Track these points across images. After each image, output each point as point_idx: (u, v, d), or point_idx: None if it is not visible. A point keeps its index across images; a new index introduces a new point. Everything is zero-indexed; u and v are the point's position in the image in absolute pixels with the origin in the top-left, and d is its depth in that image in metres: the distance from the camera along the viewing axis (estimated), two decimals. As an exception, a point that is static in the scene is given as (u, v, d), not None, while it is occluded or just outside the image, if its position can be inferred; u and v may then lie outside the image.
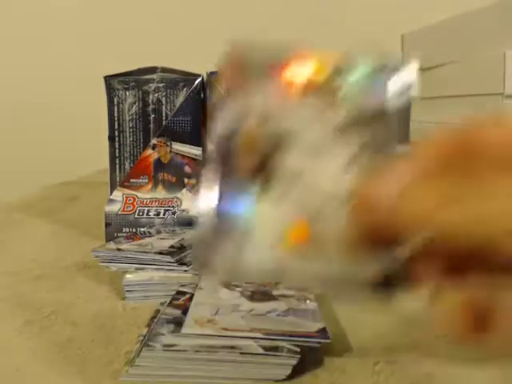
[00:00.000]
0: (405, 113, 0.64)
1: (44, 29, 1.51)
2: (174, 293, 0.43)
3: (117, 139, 0.65)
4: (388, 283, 0.22)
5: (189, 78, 0.64)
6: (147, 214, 0.65)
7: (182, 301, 0.41)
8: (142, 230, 0.62)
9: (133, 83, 0.64)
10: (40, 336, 0.40)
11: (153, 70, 0.64)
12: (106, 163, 0.65)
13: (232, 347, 0.34)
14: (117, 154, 0.65)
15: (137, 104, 0.64)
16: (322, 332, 0.35)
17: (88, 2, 1.52)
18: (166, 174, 0.65)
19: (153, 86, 0.64)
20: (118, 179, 0.65)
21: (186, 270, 0.48)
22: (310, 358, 0.36)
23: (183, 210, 0.66)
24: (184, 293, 0.42)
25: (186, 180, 0.65)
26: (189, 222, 0.65)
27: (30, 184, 1.04)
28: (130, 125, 0.64)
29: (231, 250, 0.24)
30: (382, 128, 0.27)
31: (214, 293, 0.42)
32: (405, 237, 0.20)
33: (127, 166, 0.65)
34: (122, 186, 0.65)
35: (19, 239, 0.69)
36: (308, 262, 0.24)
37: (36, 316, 0.44)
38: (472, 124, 0.22)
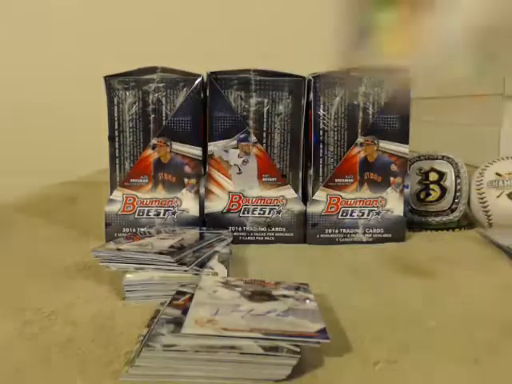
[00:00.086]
0: (405, 113, 0.64)
1: (44, 29, 1.51)
2: (173, 293, 0.43)
3: (117, 139, 0.65)
4: None
5: (189, 78, 0.64)
6: (147, 214, 0.65)
7: (181, 301, 0.41)
8: (142, 230, 0.62)
9: (133, 83, 0.64)
10: (40, 336, 0.40)
11: (153, 70, 0.64)
12: (105, 163, 0.65)
13: (232, 347, 0.34)
14: (117, 154, 0.65)
15: (137, 104, 0.64)
16: (322, 332, 0.35)
17: (88, 2, 1.52)
18: (165, 174, 0.65)
19: (153, 86, 0.64)
20: (117, 179, 0.65)
21: (185, 270, 0.48)
22: (309, 358, 0.36)
23: (183, 210, 0.66)
24: (184, 293, 0.42)
25: (186, 180, 0.65)
26: (189, 222, 0.65)
27: (30, 184, 1.04)
28: (130, 125, 0.64)
29: None
30: None
31: (213, 293, 0.42)
32: None
33: (127, 166, 0.65)
34: (122, 186, 0.65)
35: (19, 239, 0.69)
36: None
37: (36, 316, 0.44)
38: None
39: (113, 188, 0.65)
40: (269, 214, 0.66)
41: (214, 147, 0.65)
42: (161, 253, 0.49)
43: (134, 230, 0.65)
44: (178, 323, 0.36)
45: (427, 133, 1.12)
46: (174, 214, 0.65)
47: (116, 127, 0.64)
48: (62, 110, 1.52)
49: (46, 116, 1.52)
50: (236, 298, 0.41)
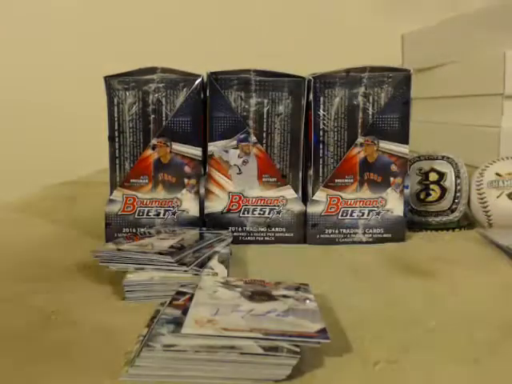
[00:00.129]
0: (405, 113, 0.64)
1: (44, 29, 1.51)
2: (173, 293, 0.43)
3: (117, 139, 0.65)
4: None
5: (189, 78, 0.64)
6: (147, 215, 0.65)
7: (182, 301, 0.41)
8: (142, 230, 0.62)
9: (133, 83, 0.64)
10: (40, 336, 0.40)
11: (153, 70, 0.64)
12: (105, 163, 0.65)
13: (232, 347, 0.34)
14: (117, 154, 0.65)
15: (137, 104, 0.64)
16: (322, 332, 0.35)
17: (88, 2, 1.52)
18: (165, 175, 0.65)
19: (153, 86, 0.64)
20: (118, 179, 0.65)
21: (186, 270, 0.48)
22: (309, 358, 0.36)
23: (183, 211, 0.66)
24: (184, 293, 0.42)
25: (186, 180, 0.65)
26: (189, 223, 0.65)
27: (29, 184, 1.04)
28: (130, 125, 0.64)
29: None
30: None
31: (213, 293, 0.42)
32: None
33: (127, 166, 0.65)
34: (122, 186, 0.65)
35: (19, 239, 0.69)
36: None
37: (36, 316, 0.44)
38: None
39: (113, 188, 0.65)
40: (269, 214, 0.66)
41: (213, 147, 0.65)
42: (161, 253, 0.49)
43: (134, 230, 0.65)
44: (178, 323, 0.36)
45: (427, 133, 1.12)
46: (174, 214, 0.65)
47: (116, 127, 0.64)
48: (62, 110, 1.52)
49: (46, 116, 1.52)
50: (236, 298, 0.41)
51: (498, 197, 0.68)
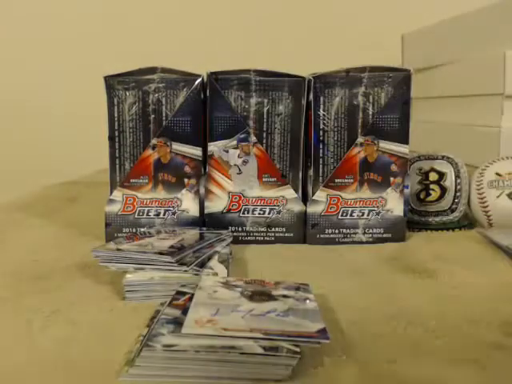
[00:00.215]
0: (405, 113, 0.64)
1: (44, 29, 1.51)
2: (174, 293, 0.43)
3: (117, 139, 0.65)
4: None
5: (189, 78, 0.64)
6: (147, 215, 0.65)
7: (182, 301, 0.41)
8: (142, 230, 0.62)
9: (133, 83, 0.64)
10: (40, 336, 0.40)
11: (153, 70, 0.64)
12: (106, 163, 0.65)
13: (232, 347, 0.34)
14: (117, 154, 0.65)
15: (137, 104, 0.64)
16: (322, 332, 0.35)
17: (88, 1, 1.52)
18: (165, 174, 0.65)
19: (153, 86, 0.64)
20: (118, 179, 0.65)
21: (186, 270, 0.48)
22: (309, 358, 0.36)
23: (183, 210, 0.66)
24: (184, 293, 0.42)
25: (186, 180, 0.65)
26: (189, 222, 0.65)
27: (30, 184, 1.04)
28: (130, 125, 0.64)
29: None
30: None
31: (213, 293, 0.42)
32: None
33: (127, 166, 0.65)
34: (122, 186, 0.65)
35: (19, 239, 0.69)
36: None
37: (36, 316, 0.44)
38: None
39: (113, 188, 0.65)
40: (269, 214, 0.66)
41: (214, 147, 0.65)
42: (161, 253, 0.49)
43: (134, 230, 0.65)
44: (178, 323, 0.36)
45: (427, 133, 1.12)
46: (174, 214, 0.65)
47: (116, 127, 0.64)
48: (62, 110, 1.52)
49: (46, 116, 1.52)
50: (236, 298, 0.41)
51: (497, 197, 0.68)
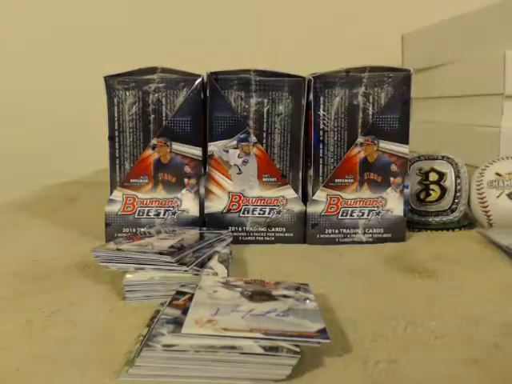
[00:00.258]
0: (405, 113, 0.64)
1: (44, 29, 1.51)
2: (173, 293, 0.43)
3: (117, 139, 0.65)
4: None
5: (189, 78, 0.64)
6: (147, 214, 0.65)
7: (182, 301, 0.41)
8: (142, 230, 0.62)
9: (133, 83, 0.64)
10: (40, 336, 0.40)
11: (153, 70, 0.64)
12: (106, 163, 0.65)
13: (232, 347, 0.34)
14: (117, 154, 0.65)
15: (137, 104, 0.64)
16: (322, 332, 0.35)
17: (88, 2, 1.52)
18: (165, 174, 0.65)
19: (153, 86, 0.64)
20: (118, 179, 0.65)
21: (186, 270, 0.48)
22: (309, 358, 0.36)
23: (183, 210, 0.66)
24: (184, 293, 0.42)
25: (186, 180, 0.65)
26: (189, 222, 0.65)
27: (30, 184, 1.04)
28: (130, 125, 0.64)
29: None
30: None
31: (213, 293, 0.42)
32: None
33: (127, 166, 0.65)
34: (122, 186, 0.65)
35: (19, 239, 0.69)
36: None
37: (36, 316, 0.44)
38: None
39: (113, 188, 0.65)
40: (269, 214, 0.66)
41: (214, 147, 0.65)
42: (161, 253, 0.49)
43: (134, 230, 0.65)
44: (178, 323, 0.36)
45: (427, 133, 1.12)
46: (174, 214, 0.65)
47: (116, 127, 0.64)
48: (61, 110, 1.52)
49: (46, 116, 1.52)
50: (236, 298, 0.41)
51: (497, 197, 0.68)
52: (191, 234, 0.59)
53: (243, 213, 0.66)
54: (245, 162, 0.65)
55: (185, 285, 0.44)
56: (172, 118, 0.64)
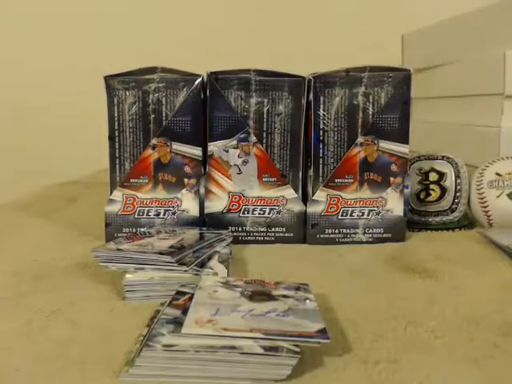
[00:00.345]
0: (405, 113, 0.64)
1: (44, 29, 1.51)
2: (174, 293, 0.43)
3: (117, 139, 0.65)
4: None
5: (189, 78, 0.64)
6: (147, 214, 0.65)
7: (182, 301, 0.41)
8: (142, 230, 0.62)
9: (133, 83, 0.64)
10: (40, 336, 0.40)
11: (153, 70, 0.64)
12: (106, 163, 0.65)
13: (232, 347, 0.34)
14: (117, 154, 0.65)
15: (137, 104, 0.64)
16: (322, 332, 0.35)
17: (88, 1, 1.52)
18: (166, 174, 0.65)
19: (153, 86, 0.64)
20: (118, 179, 0.65)
21: (186, 270, 0.48)
22: (309, 358, 0.36)
23: (183, 210, 0.66)
24: (184, 293, 0.42)
25: (186, 180, 0.65)
26: (189, 222, 0.65)
27: (30, 184, 1.04)
28: (130, 125, 0.64)
29: None
30: None
31: (213, 293, 0.42)
32: None
33: (127, 165, 0.65)
34: (122, 186, 0.65)
35: (19, 239, 0.69)
36: None
37: (36, 316, 0.44)
38: None
39: (113, 188, 0.65)
40: (269, 214, 0.66)
41: (213, 147, 0.65)
42: (161, 253, 0.49)
43: (134, 230, 0.65)
44: (178, 323, 0.36)
45: (427, 133, 1.12)
46: (174, 214, 0.65)
47: (116, 127, 0.64)
48: (61, 110, 1.52)
49: (46, 116, 1.52)
50: (236, 298, 0.41)
51: (497, 197, 0.68)
52: (191, 234, 0.59)
53: (243, 213, 0.66)
54: (245, 162, 0.65)
55: (185, 285, 0.44)
56: (172, 118, 0.64)
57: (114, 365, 0.35)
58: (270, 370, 0.33)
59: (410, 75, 0.64)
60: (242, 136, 0.64)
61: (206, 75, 0.64)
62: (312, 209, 0.65)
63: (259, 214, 0.65)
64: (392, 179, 0.65)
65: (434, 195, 0.71)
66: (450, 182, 0.71)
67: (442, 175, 0.71)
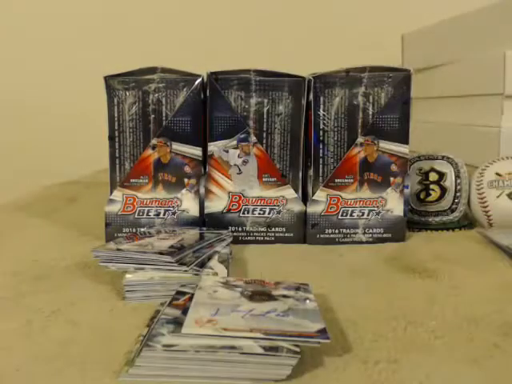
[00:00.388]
0: (405, 113, 0.64)
1: (44, 29, 1.51)
2: (174, 293, 0.43)
3: (117, 139, 0.65)
4: None
5: (189, 78, 0.64)
6: (147, 214, 0.65)
7: (182, 301, 0.41)
8: (142, 230, 0.62)
9: (133, 83, 0.64)
10: (40, 336, 0.40)
11: (153, 70, 0.64)
12: (106, 163, 0.65)
13: (232, 347, 0.34)
14: (117, 154, 0.65)
15: (137, 104, 0.64)
16: (322, 332, 0.35)
17: (88, 1, 1.52)
18: (165, 174, 0.65)
19: (153, 86, 0.64)
20: (118, 179, 0.65)
21: (186, 270, 0.48)
22: (309, 358, 0.36)
23: (183, 210, 0.66)
24: (184, 293, 0.42)
25: (186, 180, 0.65)
26: (189, 222, 0.65)
27: (30, 184, 1.04)
28: (130, 125, 0.64)
29: None
30: None
31: (213, 293, 0.42)
32: None
33: (127, 165, 0.65)
34: (122, 186, 0.65)
35: (19, 239, 0.69)
36: None
37: (36, 316, 0.44)
38: None
39: (113, 188, 0.65)
40: (269, 214, 0.66)
41: (213, 147, 0.65)
42: (161, 253, 0.49)
43: (134, 230, 0.65)
44: (178, 323, 0.36)
45: (427, 133, 1.12)
46: (174, 214, 0.65)
47: (116, 127, 0.64)
48: (61, 110, 1.52)
49: (46, 116, 1.52)
50: (236, 298, 0.41)
51: (497, 197, 0.68)
52: (191, 234, 0.59)
53: (243, 213, 0.66)
54: (245, 162, 0.65)
55: (185, 285, 0.44)
56: (172, 118, 0.64)
57: (114, 365, 0.35)
58: (270, 370, 0.33)
59: (410, 75, 0.64)
60: (242, 136, 0.64)
61: (206, 75, 0.64)
62: (312, 209, 0.65)
63: (259, 214, 0.66)
64: (392, 179, 0.65)
65: (434, 195, 0.71)
66: (450, 182, 0.71)
67: (442, 175, 0.71)
